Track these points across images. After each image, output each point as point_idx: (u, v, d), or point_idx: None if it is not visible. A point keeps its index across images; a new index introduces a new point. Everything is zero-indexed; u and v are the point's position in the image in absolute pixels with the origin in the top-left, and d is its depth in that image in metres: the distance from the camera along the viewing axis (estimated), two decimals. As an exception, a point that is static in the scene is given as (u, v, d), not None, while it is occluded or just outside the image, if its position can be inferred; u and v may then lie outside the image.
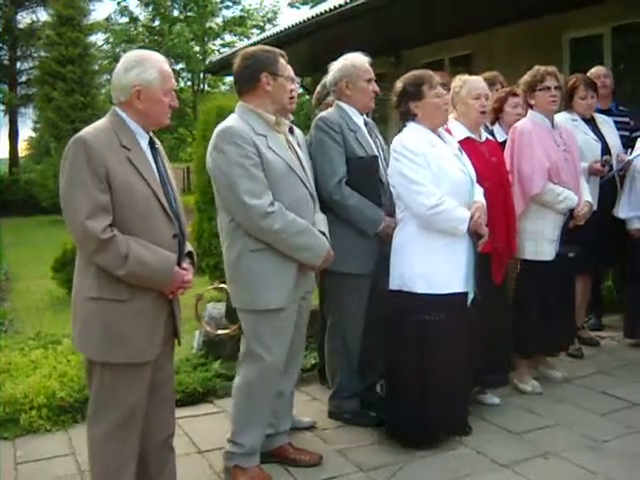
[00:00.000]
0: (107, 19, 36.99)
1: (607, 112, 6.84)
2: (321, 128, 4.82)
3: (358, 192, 4.73)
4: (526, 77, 5.60)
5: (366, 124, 4.97)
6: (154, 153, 3.52)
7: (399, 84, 4.66)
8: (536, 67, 5.58)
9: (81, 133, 3.34)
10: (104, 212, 3.25)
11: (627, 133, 6.78)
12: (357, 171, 4.76)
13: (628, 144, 6.60)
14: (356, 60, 4.93)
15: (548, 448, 4.54)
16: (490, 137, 5.33)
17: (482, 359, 4.86)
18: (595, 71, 7.02)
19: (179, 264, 3.49)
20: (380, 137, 5.06)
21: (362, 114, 4.96)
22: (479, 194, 4.69)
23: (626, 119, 7.01)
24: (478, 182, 4.74)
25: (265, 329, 4.08)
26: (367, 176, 4.76)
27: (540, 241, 5.44)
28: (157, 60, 3.51)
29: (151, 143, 3.52)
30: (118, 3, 37.25)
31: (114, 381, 3.41)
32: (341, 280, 4.83)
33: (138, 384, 3.45)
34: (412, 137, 4.55)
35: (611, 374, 5.90)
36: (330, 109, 4.99)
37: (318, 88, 5.61)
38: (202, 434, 4.86)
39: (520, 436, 4.75)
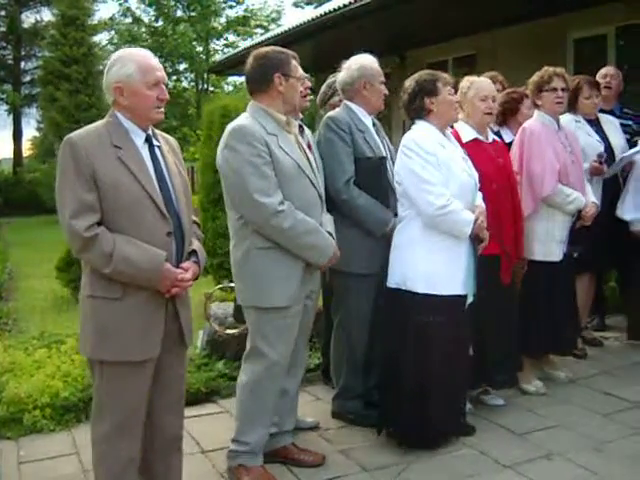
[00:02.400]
0: (111, 19, 37.03)
1: (610, 114, 6.83)
2: (330, 128, 4.82)
3: (366, 192, 4.74)
4: (534, 77, 5.61)
5: (374, 125, 4.98)
6: (152, 151, 3.52)
7: (411, 82, 4.66)
8: (545, 68, 5.59)
9: (71, 134, 3.37)
10: (89, 211, 3.27)
11: (628, 137, 6.75)
12: (365, 171, 4.76)
13: (629, 147, 6.58)
14: (373, 62, 4.96)
15: (551, 449, 4.53)
16: (497, 138, 5.33)
17: (490, 360, 4.89)
18: (604, 71, 7.00)
19: (178, 263, 3.49)
20: (387, 138, 5.07)
21: (370, 115, 4.97)
22: (479, 198, 4.71)
23: (629, 122, 7.00)
24: (485, 183, 4.76)
25: (270, 327, 4.09)
26: (375, 177, 4.76)
27: (549, 242, 5.45)
28: (136, 54, 3.50)
29: (149, 140, 3.52)
30: (120, 4, 37.28)
31: (113, 380, 3.42)
32: (348, 280, 4.84)
33: (138, 383, 3.45)
34: (424, 135, 4.55)
35: (615, 375, 5.90)
36: (338, 109, 4.99)
37: (323, 88, 5.61)
38: (206, 434, 4.86)
39: (523, 437, 4.74)
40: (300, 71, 4.24)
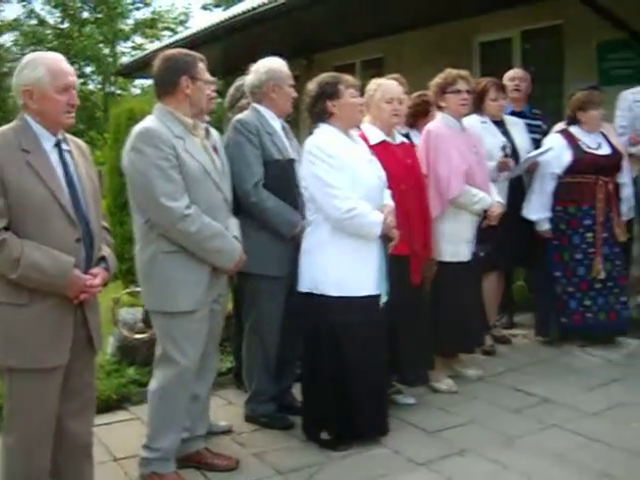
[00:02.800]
0: (16, 20, 36.12)
1: (520, 115, 6.98)
2: (238, 130, 4.80)
3: (275, 195, 4.74)
4: (437, 79, 5.65)
5: (282, 127, 4.98)
6: (62, 155, 3.45)
7: (313, 85, 4.67)
8: (448, 70, 5.65)
9: None
10: None
11: (539, 136, 6.90)
12: (274, 174, 4.76)
13: (538, 147, 6.73)
14: (282, 65, 4.97)
15: (463, 445, 4.59)
16: (405, 140, 5.36)
17: (403, 359, 4.93)
18: (512, 74, 7.15)
19: (87, 269, 3.43)
20: (295, 140, 5.07)
21: (279, 117, 4.97)
22: (388, 197, 4.73)
23: (539, 122, 7.16)
24: (394, 184, 4.78)
25: (178, 331, 4.04)
26: (284, 179, 4.76)
27: (457, 243, 5.52)
28: (47, 58, 3.45)
29: (59, 145, 3.45)
30: (24, 5, 36.42)
31: (21, 387, 3.36)
32: (258, 283, 4.82)
33: (47, 391, 3.39)
34: (327, 139, 4.55)
35: (523, 371, 6.01)
36: (247, 112, 4.97)
37: (231, 91, 5.58)
38: (117, 442, 4.77)
39: (436, 434, 4.79)
40: (207, 74, 4.20)
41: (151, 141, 3.92)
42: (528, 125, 6.92)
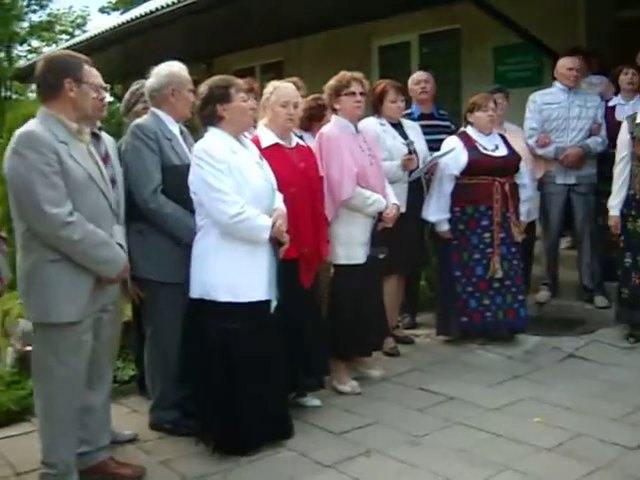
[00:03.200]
0: None
1: (429, 116, 7.07)
2: (137, 135, 4.74)
3: (174, 200, 4.70)
4: (332, 82, 5.64)
5: (181, 132, 4.93)
6: None
7: (204, 87, 4.63)
8: (342, 72, 5.65)
9: None
10: None
11: (447, 137, 6.97)
12: (172, 180, 4.71)
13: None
14: (182, 69, 4.92)
15: (370, 446, 4.62)
16: (302, 142, 5.35)
17: (296, 364, 4.92)
18: (417, 77, 7.23)
19: None
20: (195, 146, 5.01)
21: (178, 122, 4.92)
22: (279, 201, 4.71)
23: (447, 123, 7.27)
24: (283, 188, 4.77)
25: (61, 343, 3.93)
26: (182, 185, 4.67)
27: (352, 245, 5.52)
28: None
29: None
30: None
31: None
32: (157, 290, 4.77)
33: None
34: (214, 143, 4.52)
35: (426, 370, 6.09)
36: (146, 116, 4.91)
37: (127, 95, 5.52)
38: (19, 455, 4.63)
39: (342, 436, 4.81)
40: (95, 77, 4.10)
41: (32, 145, 3.79)
42: (437, 126, 7.04)
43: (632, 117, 6.49)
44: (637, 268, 6.41)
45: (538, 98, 7.36)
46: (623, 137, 6.46)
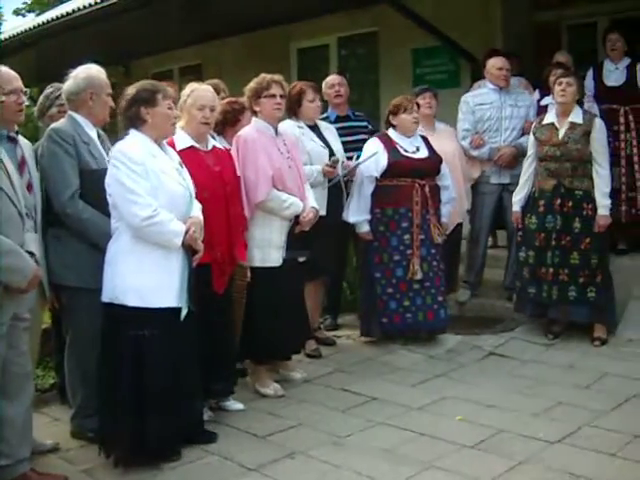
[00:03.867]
0: None
1: (345, 118, 7.08)
2: (53, 139, 4.65)
3: (92, 205, 4.63)
4: (252, 84, 5.62)
5: (99, 136, 4.86)
6: None
7: (132, 89, 4.56)
8: (262, 75, 5.63)
9: None
10: None
11: (367, 136, 6.98)
12: (90, 184, 4.63)
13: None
14: (100, 73, 4.84)
15: (294, 448, 4.60)
16: (218, 145, 5.29)
17: (207, 370, 4.87)
18: (331, 80, 7.25)
19: None
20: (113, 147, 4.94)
21: (95, 126, 4.85)
22: (197, 209, 4.66)
23: (364, 123, 7.30)
24: (198, 191, 4.71)
25: None
26: (100, 189, 4.59)
27: (267, 248, 5.50)
28: None
29: None
30: None
31: None
32: (76, 295, 4.70)
33: None
34: (133, 145, 4.45)
35: (349, 371, 6.10)
36: (62, 120, 4.83)
37: (41, 99, 5.41)
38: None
39: (266, 439, 4.79)
40: (12, 82, 3.99)
41: None
42: (354, 127, 7.06)
43: (540, 118, 6.67)
44: (528, 263, 6.61)
45: (470, 99, 7.44)
46: (530, 138, 6.67)
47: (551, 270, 6.46)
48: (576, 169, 6.37)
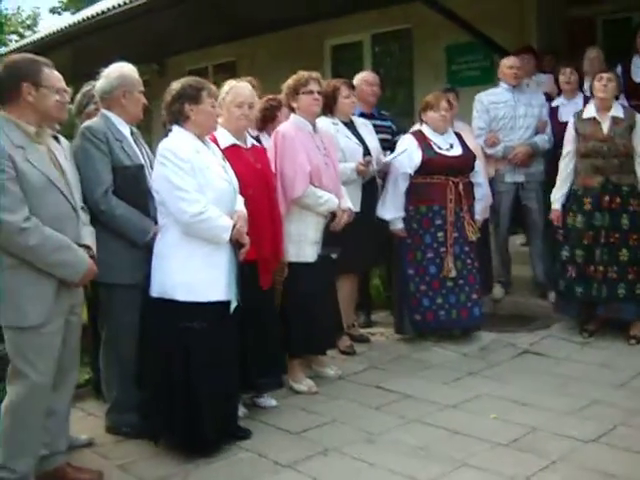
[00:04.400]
0: None
1: (370, 116, 7.08)
2: (86, 137, 4.69)
3: (125, 201, 4.66)
4: (290, 81, 5.67)
5: (132, 133, 4.89)
6: None
7: (177, 85, 4.60)
8: (300, 72, 5.68)
9: None
10: None
11: (389, 136, 7.04)
12: (124, 180, 4.67)
13: (389, 147, 6.85)
14: (132, 71, 4.88)
15: (327, 445, 4.61)
16: (256, 143, 5.34)
17: (253, 364, 4.91)
18: (368, 77, 7.22)
19: None
20: (146, 146, 5.00)
21: (129, 124, 4.88)
22: (240, 203, 4.71)
23: (388, 123, 7.29)
24: (242, 189, 4.75)
25: (27, 346, 3.89)
26: (134, 185, 4.68)
27: (302, 243, 5.52)
28: None
29: None
30: None
31: None
32: (112, 292, 4.74)
33: None
34: (179, 142, 4.50)
35: (383, 368, 6.11)
36: (95, 118, 4.87)
37: (78, 97, 5.46)
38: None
39: (299, 435, 4.81)
40: (55, 79, 4.05)
41: None
42: (378, 126, 7.03)
43: (578, 113, 6.60)
44: (573, 262, 6.54)
45: (484, 98, 7.44)
46: (569, 133, 6.58)
47: (601, 268, 6.40)
48: (622, 165, 6.32)
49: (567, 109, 7.14)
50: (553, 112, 7.39)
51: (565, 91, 7.36)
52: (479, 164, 6.73)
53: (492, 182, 7.36)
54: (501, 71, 7.44)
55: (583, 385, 5.47)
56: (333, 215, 5.64)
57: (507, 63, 7.37)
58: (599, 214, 6.38)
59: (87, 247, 4.12)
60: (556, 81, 7.63)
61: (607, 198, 6.35)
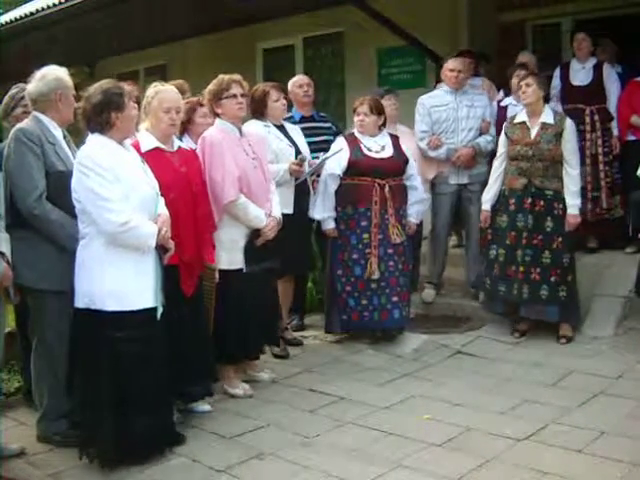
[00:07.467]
0: None
1: (310, 119, 7.08)
2: (21, 140, 4.61)
3: (58, 207, 4.59)
4: (211, 86, 5.56)
5: (64, 136, 4.83)
6: None
7: (97, 92, 4.43)
8: (220, 76, 5.58)
9: None
10: None
11: (331, 137, 7.06)
12: (57, 185, 4.59)
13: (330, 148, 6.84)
14: (66, 73, 4.83)
15: (262, 449, 4.59)
16: (183, 146, 5.24)
17: (182, 372, 4.85)
18: (300, 80, 7.26)
19: None
20: (77, 151, 4.89)
21: (60, 127, 4.81)
22: (162, 206, 4.63)
23: (328, 124, 7.33)
24: (164, 192, 4.68)
25: None
26: (67, 191, 4.55)
27: (234, 250, 5.46)
28: None
29: None
30: None
31: None
32: (43, 298, 4.66)
33: None
34: (100, 150, 4.38)
35: (316, 371, 6.11)
36: (27, 120, 4.78)
37: (6, 99, 5.35)
38: None
39: (234, 440, 4.78)
40: None
41: None
42: (319, 128, 7.06)
43: (512, 118, 6.70)
44: (499, 261, 6.65)
45: (426, 101, 7.46)
46: (501, 137, 6.72)
47: (522, 269, 6.50)
48: (547, 169, 6.43)
49: (516, 109, 7.21)
50: (502, 112, 7.47)
51: (515, 92, 7.43)
52: (414, 167, 6.77)
53: (435, 185, 7.42)
54: (442, 73, 7.47)
55: (515, 385, 5.54)
56: (258, 231, 5.55)
57: (448, 66, 7.37)
58: (522, 215, 6.50)
59: (1, 254, 4.04)
60: (506, 83, 7.68)
61: (530, 200, 6.47)
